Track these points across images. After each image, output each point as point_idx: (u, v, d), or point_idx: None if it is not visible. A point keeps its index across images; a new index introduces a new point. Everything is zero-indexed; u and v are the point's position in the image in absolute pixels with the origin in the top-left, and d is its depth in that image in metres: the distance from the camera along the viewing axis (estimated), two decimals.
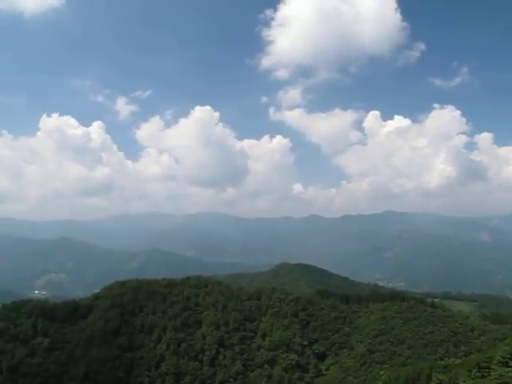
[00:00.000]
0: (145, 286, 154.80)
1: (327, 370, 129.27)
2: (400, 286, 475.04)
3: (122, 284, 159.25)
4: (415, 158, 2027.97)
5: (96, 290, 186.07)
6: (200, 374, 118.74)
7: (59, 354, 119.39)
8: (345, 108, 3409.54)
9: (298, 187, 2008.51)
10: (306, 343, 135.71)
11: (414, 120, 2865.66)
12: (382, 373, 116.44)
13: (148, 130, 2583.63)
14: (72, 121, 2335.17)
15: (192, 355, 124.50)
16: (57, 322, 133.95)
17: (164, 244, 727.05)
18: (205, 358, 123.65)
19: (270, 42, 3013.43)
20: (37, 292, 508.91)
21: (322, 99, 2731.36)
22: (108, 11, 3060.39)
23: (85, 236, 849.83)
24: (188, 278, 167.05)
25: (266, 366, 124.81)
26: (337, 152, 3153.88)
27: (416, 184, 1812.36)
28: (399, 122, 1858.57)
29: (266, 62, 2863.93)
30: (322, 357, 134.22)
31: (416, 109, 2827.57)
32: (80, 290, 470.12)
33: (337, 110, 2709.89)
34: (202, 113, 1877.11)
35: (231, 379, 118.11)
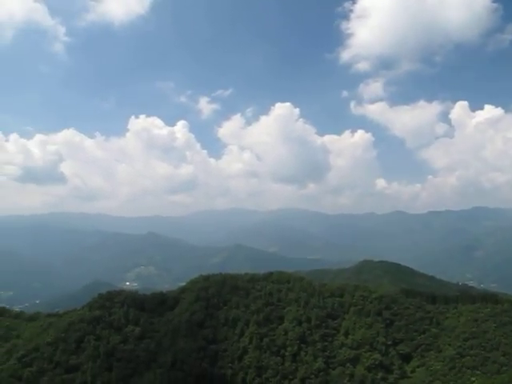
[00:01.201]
0: (228, 281, 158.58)
1: (413, 372, 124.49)
2: (493, 287, 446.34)
3: (207, 278, 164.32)
4: (509, 150, 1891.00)
5: (182, 283, 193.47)
6: (282, 369, 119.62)
7: (149, 343, 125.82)
8: (430, 99, 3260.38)
9: (381, 182, 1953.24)
10: (390, 343, 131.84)
11: (508, 109, 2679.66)
12: (473, 379, 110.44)
13: (230, 128, 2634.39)
14: (158, 121, 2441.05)
15: (274, 350, 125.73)
16: (146, 312, 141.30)
17: (247, 240, 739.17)
18: (286, 354, 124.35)
19: (350, 35, 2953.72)
20: (128, 284, 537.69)
21: (405, 91, 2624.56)
22: (188, 13, 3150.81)
23: (171, 231, 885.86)
24: (270, 274, 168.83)
25: (348, 364, 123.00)
26: (422, 146, 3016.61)
27: (509, 178, 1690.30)
28: (490, 111, 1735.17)
29: (345, 55, 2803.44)
30: (406, 358, 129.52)
31: (509, 97, 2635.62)
32: (167, 283, 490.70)
33: (421, 102, 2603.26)
34: (282, 109, 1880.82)
35: (312, 376, 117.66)
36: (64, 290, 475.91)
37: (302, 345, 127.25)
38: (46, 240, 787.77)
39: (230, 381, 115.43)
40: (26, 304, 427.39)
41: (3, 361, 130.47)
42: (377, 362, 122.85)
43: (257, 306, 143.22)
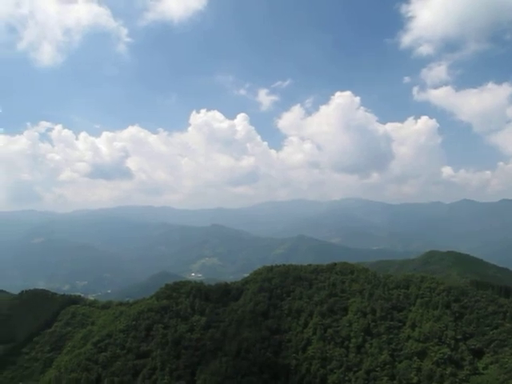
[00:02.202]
0: (292, 272, 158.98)
1: (485, 368, 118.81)
2: None
3: (270, 269, 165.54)
4: None
5: (245, 274, 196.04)
6: (346, 360, 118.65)
7: (214, 332, 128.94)
8: (499, 81, 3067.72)
9: (447, 170, 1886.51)
10: (459, 337, 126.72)
11: None
12: None
13: (289, 119, 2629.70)
14: (218, 115, 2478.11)
15: (338, 341, 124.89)
16: (211, 302, 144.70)
17: (309, 230, 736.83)
18: (351, 345, 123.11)
19: (411, 18, 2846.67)
20: (193, 274, 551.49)
21: (471, 74, 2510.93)
22: (244, 6, 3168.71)
23: (234, 223, 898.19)
24: (334, 265, 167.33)
25: (415, 357, 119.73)
26: (491, 130, 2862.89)
27: None
28: None
29: (406, 39, 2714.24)
30: (478, 353, 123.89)
31: None
32: (231, 274, 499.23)
33: (490, 85, 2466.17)
34: (342, 98, 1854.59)
35: (378, 369, 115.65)
36: (133, 280, 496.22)
37: (367, 337, 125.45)
38: (115, 233, 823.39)
39: (294, 371, 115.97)
40: (99, 293, 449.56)
41: (80, 345, 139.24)
42: (445, 357, 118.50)
43: (320, 296, 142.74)
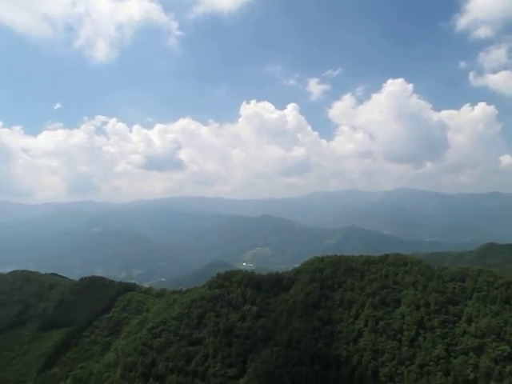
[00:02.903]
0: (343, 262, 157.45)
1: None
2: None
3: (321, 259, 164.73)
4: None
5: (296, 265, 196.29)
6: (398, 353, 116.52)
7: (265, 321, 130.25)
8: None
9: (506, 159, 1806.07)
10: None
11: None
12: None
13: (340, 108, 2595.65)
14: (268, 105, 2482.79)
15: (390, 334, 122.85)
16: (263, 291, 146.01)
17: (361, 221, 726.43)
18: (403, 339, 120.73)
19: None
20: (244, 264, 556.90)
21: None
22: None
23: (285, 213, 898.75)
24: (386, 256, 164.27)
25: (471, 353, 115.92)
26: None
27: None
28: None
29: (462, 22, 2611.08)
30: None
31: None
32: (282, 264, 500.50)
33: None
34: (394, 86, 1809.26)
35: (432, 363, 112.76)
36: (186, 269, 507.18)
37: (420, 330, 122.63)
38: (168, 223, 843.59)
39: (345, 362, 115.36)
40: (153, 281, 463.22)
41: (136, 330, 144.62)
42: (505, 354, 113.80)
43: (372, 288, 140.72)
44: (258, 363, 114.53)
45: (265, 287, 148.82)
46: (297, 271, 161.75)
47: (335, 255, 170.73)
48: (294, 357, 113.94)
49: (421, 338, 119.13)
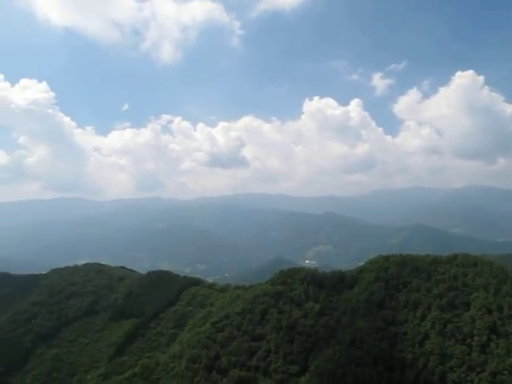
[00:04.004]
0: (409, 262, 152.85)
1: None
2: None
3: (386, 258, 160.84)
4: None
5: (360, 263, 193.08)
6: (468, 359, 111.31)
7: (328, 320, 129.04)
8: None
9: None
10: None
11: None
12: None
13: (406, 103, 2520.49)
14: (331, 102, 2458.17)
15: (459, 338, 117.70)
16: (325, 289, 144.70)
17: (428, 219, 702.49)
18: (473, 344, 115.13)
19: None
20: (307, 261, 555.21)
21: None
22: None
23: (348, 211, 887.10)
24: (455, 256, 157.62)
25: None
26: None
27: None
28: None
29: None
30: None
31: None
32: (345, 262, 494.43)
33: None
34: (463, 78, 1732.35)
35: (505, 372, 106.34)
36: (249, 265, 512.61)
37: (492, 335, 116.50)
38: (231, 219, 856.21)
39: (411, 365, 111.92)
40: (217, 276, 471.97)
41: (200, 324, 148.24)
42: None
43: (439, 289, 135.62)
44: (320, 361, 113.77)
45: (328, 285, 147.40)
46: (360, 270, 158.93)
47: (400, 254, 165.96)
48: (356, 356, 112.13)
49: (493, 345, 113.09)
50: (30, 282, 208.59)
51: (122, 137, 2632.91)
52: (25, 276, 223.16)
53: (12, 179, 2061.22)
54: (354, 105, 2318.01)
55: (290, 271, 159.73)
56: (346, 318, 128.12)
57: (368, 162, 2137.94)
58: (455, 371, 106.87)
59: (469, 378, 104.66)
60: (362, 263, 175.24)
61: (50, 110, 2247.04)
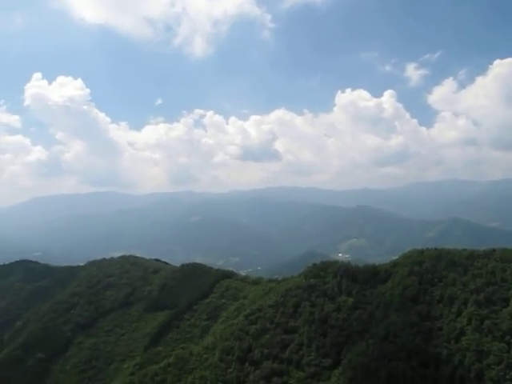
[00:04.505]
0: (444, 256, 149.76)
1: None
2: None
3: (420, 252, 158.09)
4: None
5: (394, 257, 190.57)
6: (507, 357, 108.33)
7: (361, 313, 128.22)
8: None
9: None
10: None
11: None
12: None
13: (441, 94, 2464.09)
14: (364, 93, 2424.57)
15: (497, 335, 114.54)
16: (359, 283, 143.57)
17: (464, 213, 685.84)
18: None
19: None
20: (340, 255, 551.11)
21: None
22: None
23: (382, 204, 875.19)
24: (493, 251, 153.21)
25: None
26: None
27: None
28: None
29: None
30: None
31: None
32: (378, 256, 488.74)
33: None
34: (503, 67, 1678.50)
35: None
36: (281, 259, 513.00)
37: None
38: (264, 212, 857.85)
39: (446, 361, 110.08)
40: (250, 269, 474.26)
41: (233, 316, 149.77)
42: None
43: (476, 284, 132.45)
44: (353, 355, 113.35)
45: (361, 279, 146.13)
46: (394, 264, 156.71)
47: (436, 248, 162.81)
48: (390, 351, 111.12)
49: None
50: (68, 274, 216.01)
51: (155, 131, 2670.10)
52: (64, 268, 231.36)
53: (51, 174, 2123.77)
54: (388, 96, 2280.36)
55: (322, 264, 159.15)
56: (380, 312, 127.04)
57: (402, 155, 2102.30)
58: (493, 369, 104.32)
59: (508, 377, 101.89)
60: (396, 257, 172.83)
61: (85, 107, 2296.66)
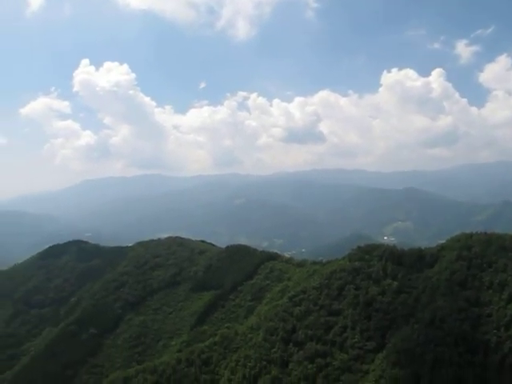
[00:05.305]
0: (494, 241, 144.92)
1: None
2: None
3: (469, 236, 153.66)
4: None
5: (441, 241, 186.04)
6: None
7: (406, 298, 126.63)
8: None
9: None
10: None
11: None
12: None
13: (493, 71, 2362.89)
14: (411, 73, 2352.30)
15: None
16: (404, 267, 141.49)
17: None
18: None
19: None
20: (386, 238, 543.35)
21: None
22: None
23: (429, 186, 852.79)
24: None
25: None
26: None
27: None
28: None
29: None
30: None
31: None
32: (425, 240, 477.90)
33: None
34: None
35: None
36: (325, 240, 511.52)
37: None
38: (309, 195, 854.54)
39: (495, 349, 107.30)
40: (294, 251, 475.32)
41: (278, 297, 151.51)
42: None
43: None
44: (398, 339, 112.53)
45: (406, 262, 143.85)
46: (442, 247, 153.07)
47: (485, 233, 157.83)
48: (436, 336, 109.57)
49: None
50: (118, 254, 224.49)
51: (199, 114, 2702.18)
52: (113, 248, 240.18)
53: (99, 158, 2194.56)
54: (436, 75, 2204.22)
55: (367, 247, 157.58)
56: (426, 297, 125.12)
57: (451, 136, 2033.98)
58: None
59: None
60: (443, 241, 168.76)
61: (131, 91, 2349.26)
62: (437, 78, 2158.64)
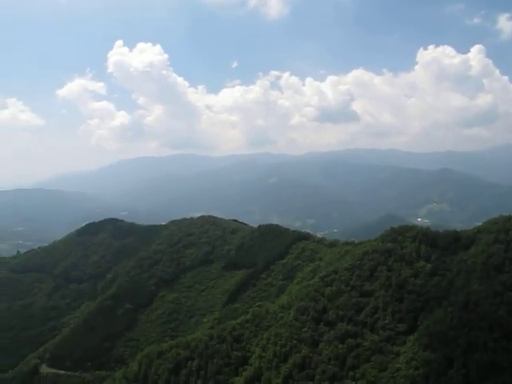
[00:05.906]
0: None
1: None
2: None
3: (508, 219, 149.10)
4: None
5: (477, 223, 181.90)
6: None
7: (440, 280, 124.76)
8: None
9: None
10: None
11: None
12: None
13: None
14: (449, 50, 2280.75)
15: None
16: (438, 249, 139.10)
17: None
18: None
19: None
20: (419, 219, 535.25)
21: None
22: None
23: (466, 167, 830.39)
24: None
25: None
26: None
27: None
28: None
29: None
30: None
31: None
32: (460, 222, 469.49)
33: None
34: None
35: None
36: (358, 221, 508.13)
37: None
38: (341, 174, 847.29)
39: None
40: (326, 231, 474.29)
41: (309, 277, 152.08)
42: None
43: None
44: (430, 322, 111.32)
45: (440, 245, 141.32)
46: (478, 230, 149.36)
47: None
48: (470, 320, 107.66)
49: None
50: (152, 232, 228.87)
51: (232, 94, 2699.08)
52: (147, 227, 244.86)
53: (133, 137, 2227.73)
54: (475, 52, 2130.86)
55: (401, 228, 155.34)
56: (460, 280, 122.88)
57: (490, 115, 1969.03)
58: None
59: None
60: (480, 223, 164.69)
61: (164, 72, 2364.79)
62: (476, 54, 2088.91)
